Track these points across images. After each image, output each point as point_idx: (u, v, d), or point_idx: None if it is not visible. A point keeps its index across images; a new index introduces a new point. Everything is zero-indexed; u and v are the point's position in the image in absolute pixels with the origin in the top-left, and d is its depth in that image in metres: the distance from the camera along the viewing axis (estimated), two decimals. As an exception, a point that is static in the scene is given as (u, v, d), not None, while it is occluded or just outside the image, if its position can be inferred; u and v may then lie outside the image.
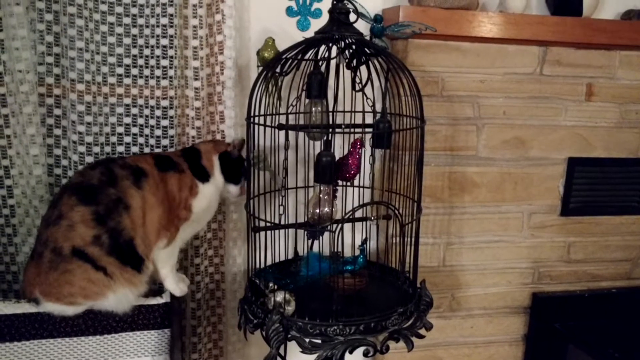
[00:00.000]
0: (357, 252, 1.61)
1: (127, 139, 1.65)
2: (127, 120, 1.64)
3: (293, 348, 1.43)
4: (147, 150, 1.66)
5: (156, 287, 1.50)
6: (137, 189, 1.36)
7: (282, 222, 1.55)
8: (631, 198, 2.08)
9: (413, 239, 1.52)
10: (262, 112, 1.48)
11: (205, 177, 1.50)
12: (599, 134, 2.00)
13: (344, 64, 1.51)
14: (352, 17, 1.46)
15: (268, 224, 1.52)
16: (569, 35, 1.83)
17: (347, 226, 1.66)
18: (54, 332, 1.38)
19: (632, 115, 2.01)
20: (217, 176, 1.53)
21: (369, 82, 1.51)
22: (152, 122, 1.65)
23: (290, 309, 1.40)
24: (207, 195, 1.50)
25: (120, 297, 1.36)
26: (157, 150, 1.66)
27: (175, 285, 1.48)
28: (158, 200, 1.39)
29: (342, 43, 1.44)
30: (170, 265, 1.47)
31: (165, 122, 1.65)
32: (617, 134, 2.01)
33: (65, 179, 1.62)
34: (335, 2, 1.43)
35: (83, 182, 1.36)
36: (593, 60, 1.93)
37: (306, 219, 1.57)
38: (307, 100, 1.56)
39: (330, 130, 1.48)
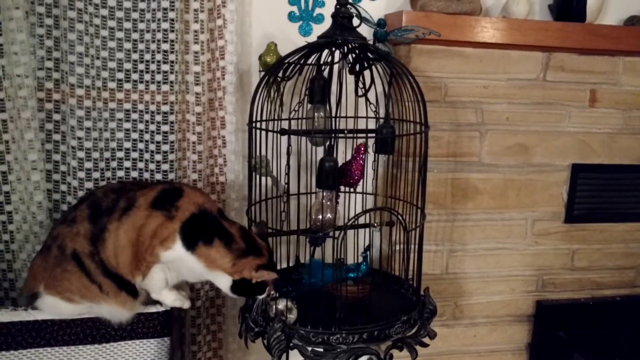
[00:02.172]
0: (360, 259, 1.59)
1: (127, 145, 1.63)
2: (127, 125, 1.62)
3: (295, 357, 1.40)
4: (147, 156, 1.64)
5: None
6: (118, 222, 1.30)
7: (284, 229, 1.53)
8: (635, 205, 2.07)
9: (417, 246, 1.50)
10: (264, 117, 1.46)
11: (191, 244, 1.29)
12: (602, 140, 1.98)
13: (347, 69, 1.50)
14: (355, 21, 1.45)
15: (270, 231, 1.50)
16: (572, 41, 1.82)
17: (350, 233, 1.64)
18: (52, 340, 1.36)
19: (635, 122, 2.00)
20: (219, 277, 1.32)
21: (372, 87, 1.49)
22: (152, 127, 1.63)
23: (292, 317, 1.37)
24: (180, 259, 1.31)
25: (113, 311, 1.35)
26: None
27: (172, 300, 1.39)
28: (129, 240, 1.30)
29: (345, 48, 1.43)
30: (157, 289, 1.36)
31: (165, 128, 1.63)
32: (621, 140, 2.00)
33: (64, 185, 1.60)
34: (338, 7, 1.42)
35: (100, 200, 1.35)
36: (596, 66, 1.92)
37: (308, 226, 1.55)
38: (309, 106, 1.55)
39: (333, 135, 1.47)
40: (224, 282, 1.32)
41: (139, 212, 1.30)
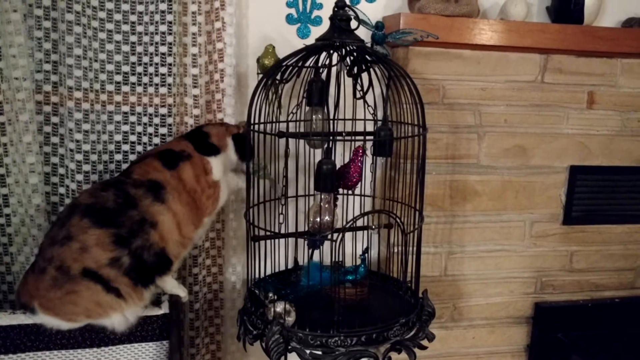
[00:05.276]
0: (359, 262, 1.58)
1: (125, 147, 1.63)
2: (125, 128, 1.63)
3: (293, 360, 1.40)
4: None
5: (154, 298, 1.48)
6: (160, 204, 1.37)
7: (282, 231, 1.53)
8: (634, 207, 2.07)
9: (415, 248, 1.50)
10: (262, 120, 1.46)
11: (214, 152, 1.51)
12: (600, 142, 1.98)
13: (345, 71, 1.50)
14: (353, 24, 1.45)
15: (268, 233, 1.50)
16: (570, 43, 1.82)
17: (348, 235, 1.64)
18: (50, 344, 1.36)
19: (633, 123, 2.00)
20: (231, 154, 1.56)
21: (370, 90, 1.49)
22: (150, 130, 1.63)
23: (290, 319, 1.37)
24: (220, 165, 1.52)
25: (123, 317, 1.35)
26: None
27: (177, 286, 1.49)
28: (183, 203, 1.42)
29: (343, 50, 1.43)
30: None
31: (163, 130, 1.63)
32: (619, 142, 2.00)
33: (62, 188, 1.60)
34: (336, 9, 1.42)
35: (96, 203, 1.33)
36: (594, 68, 1.92)
37: (306, 228, 1.55)
38: (307, 108, 1.55)
39: (331, 138, 1.47)
40: (232, 153, 1.57)
41: (171, 181, 1.41)
